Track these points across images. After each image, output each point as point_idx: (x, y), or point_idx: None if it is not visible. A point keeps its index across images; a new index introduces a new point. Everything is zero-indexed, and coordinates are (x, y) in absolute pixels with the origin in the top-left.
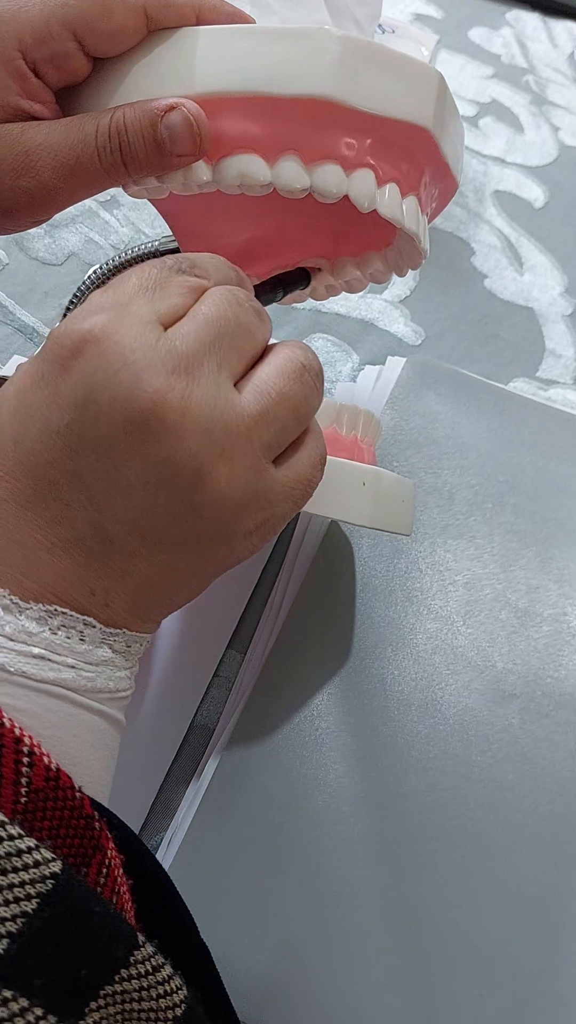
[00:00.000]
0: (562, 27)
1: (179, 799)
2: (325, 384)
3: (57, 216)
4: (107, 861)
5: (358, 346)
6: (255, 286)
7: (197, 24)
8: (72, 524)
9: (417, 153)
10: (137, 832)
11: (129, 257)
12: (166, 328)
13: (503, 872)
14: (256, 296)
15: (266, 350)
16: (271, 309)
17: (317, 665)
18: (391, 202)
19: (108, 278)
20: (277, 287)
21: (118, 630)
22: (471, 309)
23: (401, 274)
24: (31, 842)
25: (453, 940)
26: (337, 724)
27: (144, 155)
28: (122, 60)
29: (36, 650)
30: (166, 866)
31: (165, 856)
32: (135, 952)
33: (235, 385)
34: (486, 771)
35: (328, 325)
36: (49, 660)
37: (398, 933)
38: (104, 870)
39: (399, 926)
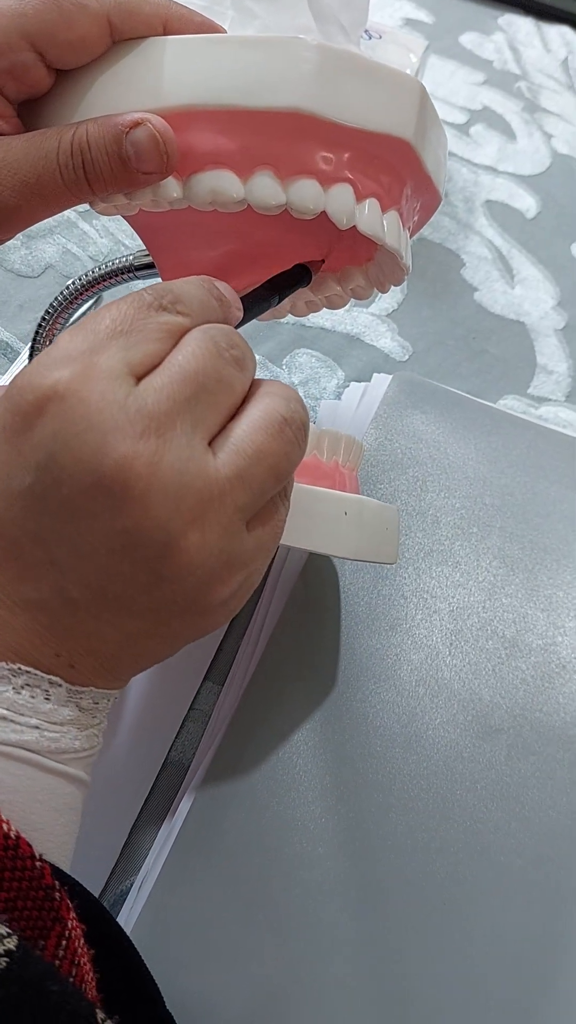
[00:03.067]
0: (556, 32)
1: (152, 840)
2: (309, 402)
3: (34, 227)
4: (67, 932)
5: (343, 362)
6: (248, 295)
7: (164, 34)
8: (35, 585)
9: (398, 166)
10: (108, 873)
11: (104, 271)
12: (139, 379)
13: (487, 917)
14: (249, 306)
15: (248, 391)
16: (256, 326)
17: (297, 698)
18: (371, 218)
19: (83, 292)
20: (272, 293)
21: (85, 688)
22: (460, 323)
23: (383, 290)
24: None
25: (434, 987)
26: (317, 761)
27: (109, 173)
28: (85, 72)
29: None
30: (138, 910)
31: (136, 900)
32: None
33: (210, 442)
34: (470, 811)
35: (312, 340)
36: (11, 721)
37: (378, 979)
38: (64, 942)
39: (379, 972)
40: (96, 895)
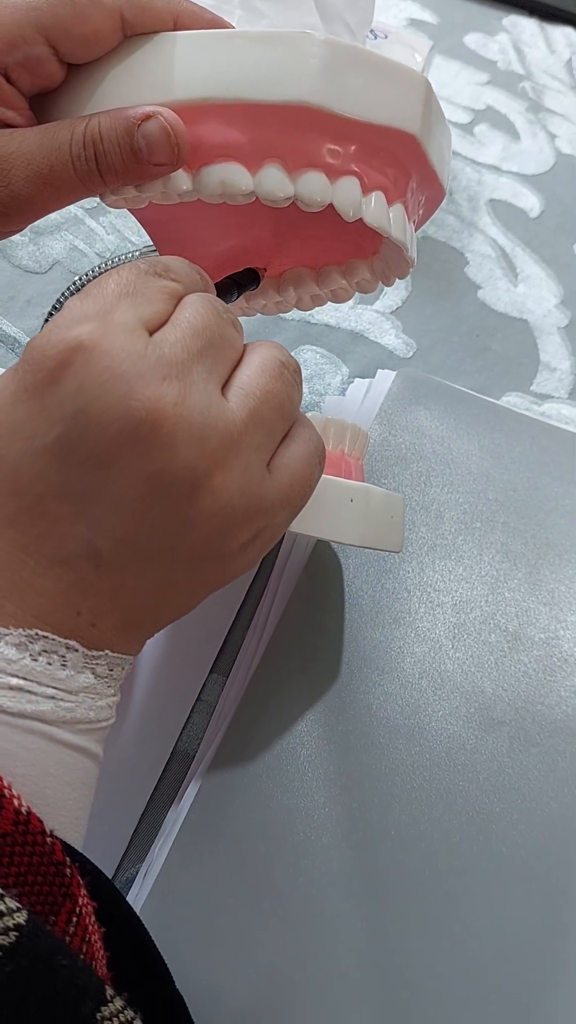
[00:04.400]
0: (560, 33)
1: (159, 828)
2: (313, 398)
3: (41, 223)
4: (78, 909)
5: (347, 358)
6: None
7: (175, 30)
8: (59, 541)
9: (403, 159)
10: (118, 861)
11: (110, 267)
12: (151, 334)
13: (488, 907)
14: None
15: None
16: (259, 319)
17: (301, 690)
18: (377, 210)
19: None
20: (232, 288)
21: (101, 652)
22: (464, 321)
23: (388, 283)
24: None
25: (435, 975)
26: (320, 751)
27: (120, 164)
28: (97, 66)
29: (14, 680)
30: (144, 896)
31: (142, 887)
32: (102, 1008)
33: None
34: (472, 802)
35: (317, 336)
36: (27, 692)
37: (379, 967)
38: (74, 919)
39: (381, 960)
40: None
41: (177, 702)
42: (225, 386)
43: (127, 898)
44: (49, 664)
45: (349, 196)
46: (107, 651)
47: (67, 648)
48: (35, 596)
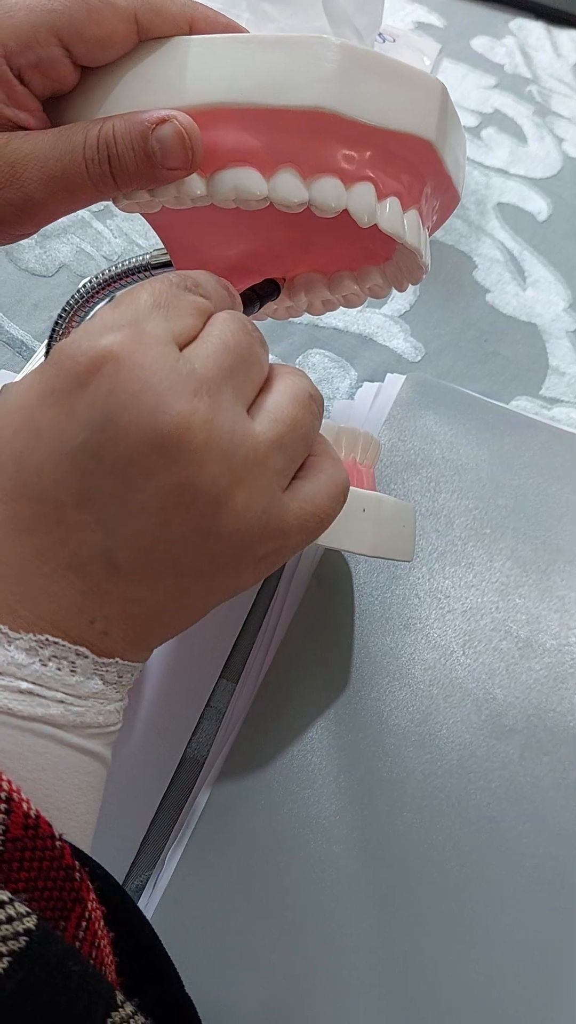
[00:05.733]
0: (567, 36)
1: (168, 835)
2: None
3: (48, 227)
4: (87, 914)
5: (356, 362)
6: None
7: (189, 34)
8: (76, 548)
9: (419, 165)
10: (127, 868)
11: (120, 271)
12: (181, 349)
13: (499, 917)
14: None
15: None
16: (268, 323)
17: (311, 696)
18: (392, 216)
19: (98, 291)
20: (254, 299)
21: (111, 659)
22: (472, 325)
23: (401, 289)
24: (4, 895)
25: (445, 985)
26: (330, 759)
27: (134, 168)
28: (111, 69)
29: (24, 684)
30: (153, 905)
31: (152, 894)
32: (112, 1013)
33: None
34: (484, 811)
35: (325, 340)
36: (37, 695)
37: (392, 976)
38: (84, 923)
39: (391, 970)
40: None
41: (187, 708)
42: (252, 406)
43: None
44: (59, 669)
45: (364, 202)
46: (117, 659)
47: (77, 654)
48: (48, 602)
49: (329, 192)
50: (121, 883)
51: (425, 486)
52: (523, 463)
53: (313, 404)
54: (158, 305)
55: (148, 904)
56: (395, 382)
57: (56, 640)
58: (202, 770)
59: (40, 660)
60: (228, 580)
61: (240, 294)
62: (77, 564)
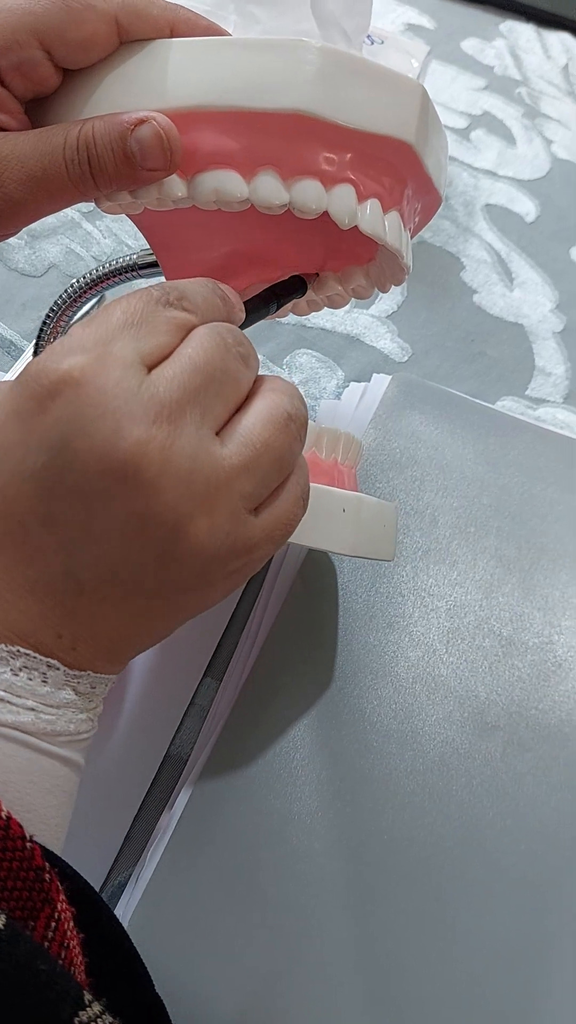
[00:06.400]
0: (556, 38)
1: (151, 832)
2: (309, 402)
3: (38, 227)
4: (56, 914)
5: (343, 362)
6: (248, 300)
7: (171, 36)
8: (41, 567)
9: (399, 167)
10: (109, 865)
11: (107, 271)
12: (150, 369)
13: (481, 912)
14: (249, 311)
15: (252, 387)
16: (256, 325)
17: (295, 694)
18: (372, 218)
19: (86, 291)
20: (271, 299)
21: (83, 672)
22: (459, 325)
23: (384, 290)
24: None
25: (428, 981)
26: (313, 756)
27: (113, 169)
28: (93, 71)
29: None
30: (135, 902)
31: (134, 891)
32: (80, 1012)
33: (218, 433)
34: (466, 808)
35: (313, 340)
36: (7, 703)
37: (372, 973)
38: (53, 924)
39: (373, 966)
40: (99, 886)
41: (170, 706)
42: (227, 426)
43: (119, 903)
44: (30, 680)
45: (344, 204)
46: (88, 672)
47: (48, 666)
48: (16, 615)
49: (310, 194)
50: (104, 879)
51: (410, 485)
52: (508, 462)
53: (291, 425)
54: (130, 324)
55: (130, 900)
56: (381, 382)
57: (27, 652)
58: (185, 768)
59: (11, 670)
60: (196, 598)
61: (259, 295)
62: (43, 582)
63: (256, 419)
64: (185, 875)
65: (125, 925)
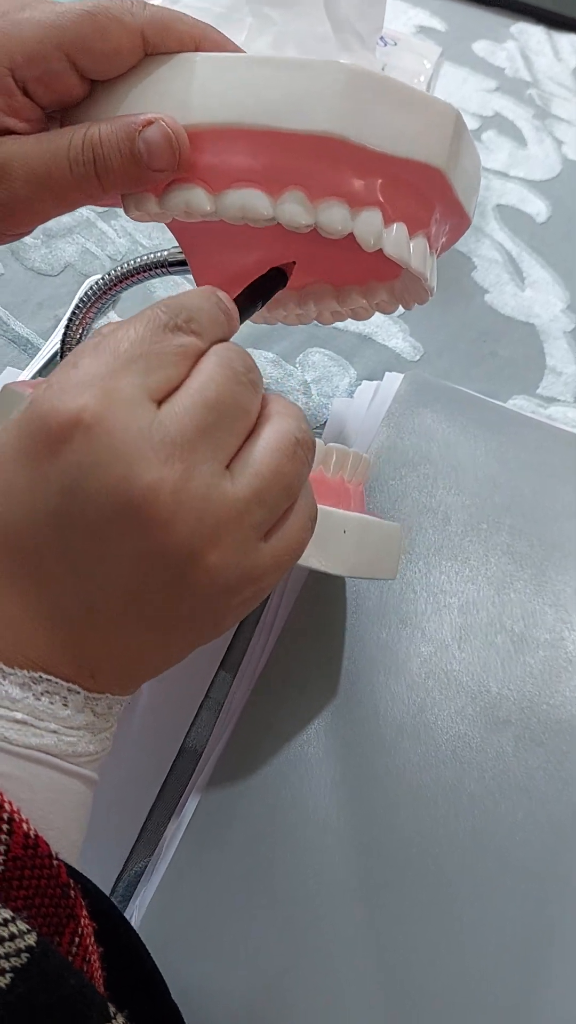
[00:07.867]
0: (567, 40)
1: (166, 825)
2: (321, 400)
3: (54, 226)
4: (80, 930)
5: (355, 361)
6: (234, 299)
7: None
8: (56, 600)
9: (428, 192)
10: (126, 855)
11: (138, 265)
12: (159, 403)
13: (493, 908)
14: (240, 312)
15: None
16: (268, 327)
17: (308, 689)
18: (398, 242)
19: (109, 288)
20: (256, 298)
21: (101, 695)
22: (471, 325)
23: (407, 307)
24: (7, 913)
25: (440, 977)
26: (327, 751)
27: (119, 168)
28: (119, 83)
29: (19, 715)
30: (151, 891)
31: (150, 881)
32: None
33: (228, 464)
34: (478, 801)
35: (325, 339)
36: (31, 726)
37: (385, 970)
38: (76, 939)
39: (386, 963)
40: (115, 875)
41: (185, 699)
42: (237, 456)
43: (136, 893)
44: (51, 704)
45: (370, 227)
46: (107, 694)
47: (69, 691)
48: (36, 646)
49: (336, 216)
50: (120, 870)
51: (422, 483)
52: (519, 461)
53: (299, 451)
54: (137, 355)
55: (146, 890)
56: (393, 380)
57: (49, 678)
58: (200, 760)
59: (33, 695)
60: (209, 627)
61: (242, 293)
62: (62, 613)
63: (265, 448)
64: (200, 865)
65: (141, 915)
